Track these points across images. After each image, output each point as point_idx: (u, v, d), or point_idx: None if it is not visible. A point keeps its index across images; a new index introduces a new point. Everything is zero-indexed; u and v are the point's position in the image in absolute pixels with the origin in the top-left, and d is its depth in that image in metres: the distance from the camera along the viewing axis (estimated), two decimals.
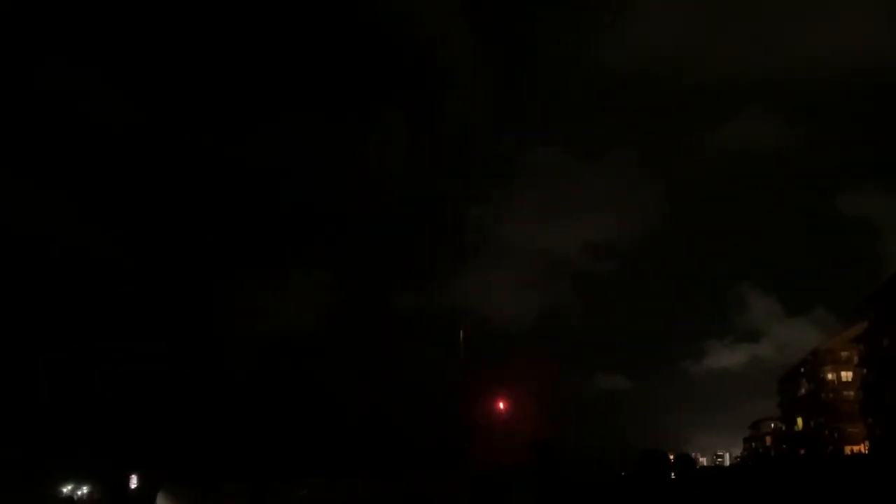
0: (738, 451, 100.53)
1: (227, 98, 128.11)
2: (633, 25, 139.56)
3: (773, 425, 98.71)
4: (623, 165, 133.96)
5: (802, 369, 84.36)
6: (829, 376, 78.18)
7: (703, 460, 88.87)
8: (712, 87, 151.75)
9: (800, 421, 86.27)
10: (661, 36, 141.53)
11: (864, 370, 69.96)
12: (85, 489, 51.84)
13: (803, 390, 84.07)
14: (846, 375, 76.78)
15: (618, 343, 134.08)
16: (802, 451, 70.92)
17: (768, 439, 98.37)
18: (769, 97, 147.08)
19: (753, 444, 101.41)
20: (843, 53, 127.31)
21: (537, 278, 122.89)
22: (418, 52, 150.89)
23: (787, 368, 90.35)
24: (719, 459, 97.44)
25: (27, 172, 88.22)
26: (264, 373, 79.26)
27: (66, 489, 51.45)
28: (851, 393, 74.49)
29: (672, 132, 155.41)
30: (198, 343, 79.95)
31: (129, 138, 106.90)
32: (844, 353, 76.03)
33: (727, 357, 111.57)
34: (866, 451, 64.27)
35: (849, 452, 66.61)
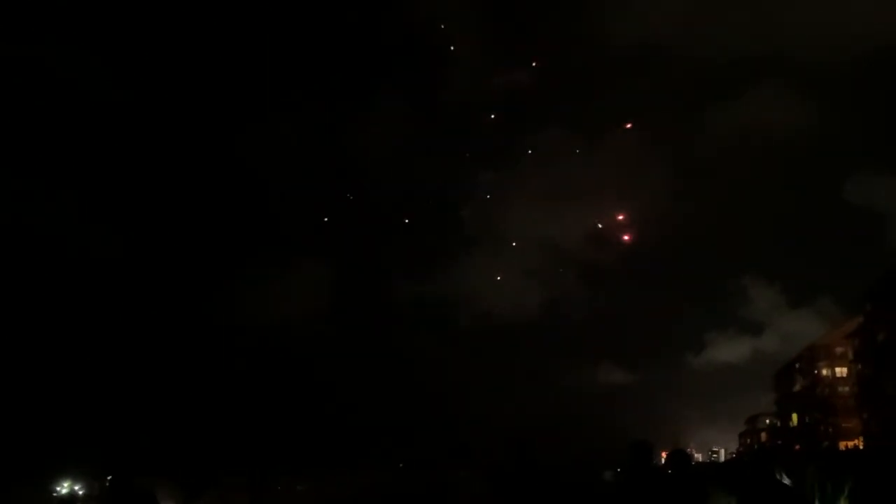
0: (734, 447, 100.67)
1: (221, 87, 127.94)
2: (638, 2, 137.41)
3: (768, 421, 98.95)
4: (627, 148, 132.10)
5: (797, 364, 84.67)
6: (825, 372, 78.47)
7: (699, 456, 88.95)
8: (721, 66, 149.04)
9: (795, 416, 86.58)
10: (668, 10, 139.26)
11: (860, 365, 70.26)
12: (80, 489, 51.61)
13: (798, 386, 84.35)
14: (841, 371, 77.09)
15: (618, 334, 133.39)
16: (798, 447, 71.21)
17: (763, 435, 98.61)
18: (781, 76, 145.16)
19: (749, 439, 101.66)
20: (863, 31, 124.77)
21: (539, 268, 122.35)
22: (416, 32, 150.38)
23: (789, 361, 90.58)
24: (714, 455, 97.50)
25: (25, 165, 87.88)
26: (263, 365, 79.17)
27: (63, 487, 51.22)
28: (846, 388, 74.84)
29: (678, 113, 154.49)
30: (196, 336, 79.75)
31: (125, 130, 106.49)
32: (839, 349, 76.32)
33: (729, 350, 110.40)
34: (861, 447, 64.57)
35: (843, 448, 66.92)
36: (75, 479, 51.91)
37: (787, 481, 8.11)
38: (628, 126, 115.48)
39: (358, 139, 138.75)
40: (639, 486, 7.51)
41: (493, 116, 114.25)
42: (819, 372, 78.90)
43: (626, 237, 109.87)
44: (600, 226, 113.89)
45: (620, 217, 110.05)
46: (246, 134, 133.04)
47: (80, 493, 51.03)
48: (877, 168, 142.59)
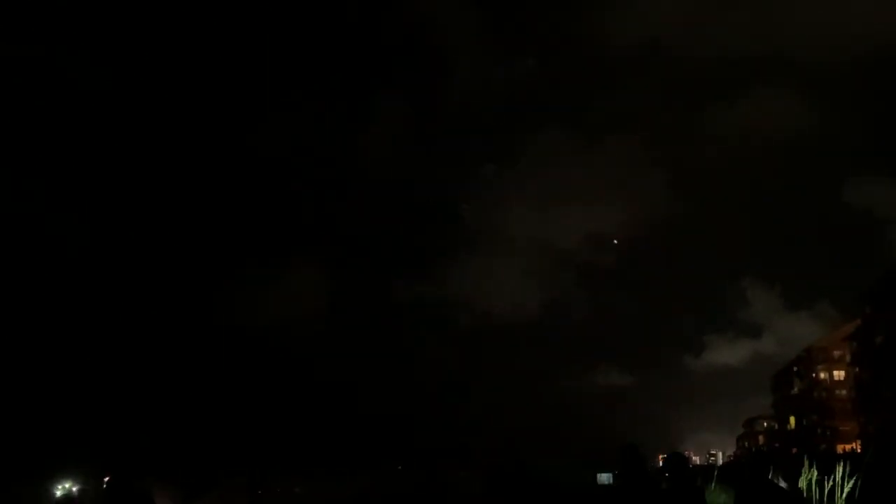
0: (732, 450, 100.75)
1: (221, 88, 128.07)
2: (639, 2, 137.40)
3: (765, 424, 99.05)
4: (627, 149, 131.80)
5: (795, 368, 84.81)
6: (822, 375, 78.67)
7: (697, 459, 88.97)
8: (721, 66, 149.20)
9: (792, 419, 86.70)
10: (668, 9, 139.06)
11: (857, 368, 70.38)
12: (76, 490, 51.46)
13: (796, 389, 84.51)
14: (838, 374, 77.29)
15: (618, 336, 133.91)
16: (795, 450, 71.25)
17: (761, 438, 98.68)
18: (781, 76, 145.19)
19: (746, 442, 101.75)
20: (863, 31, 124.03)
21: (538, 269, 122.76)
22: (416, 32, 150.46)
23: (787, 364, 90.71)
24: (712, 458, 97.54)
25: (26, 166, 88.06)
26: (263, 365, 79.18)
27: (61, 488, 51.09)
28: (844, 391, 75.00)
29: (676, 115, 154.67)
30: (196, 336, 79.79)
31: (126, 131, 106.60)
32: (837, 352, 76.51)
33: (728, 352, 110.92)
34: (858, 450, 64.62)
35: (841, 451, 67.00)
36: (75, 480, 51.83)
37: (784, 485, 8.19)
38: (629, 126, 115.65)
39: (358, 139, 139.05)
40: (630, 490, 7.58)
41: (493, 117, 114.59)
42: (817, 375, 79.09)
43: (625, 238, 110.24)
44: (599, 227, 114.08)
45: (619, 218, 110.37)
46: (246, 135, 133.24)
47: (77, 493, 50.89)
48: (876, 170, 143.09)
